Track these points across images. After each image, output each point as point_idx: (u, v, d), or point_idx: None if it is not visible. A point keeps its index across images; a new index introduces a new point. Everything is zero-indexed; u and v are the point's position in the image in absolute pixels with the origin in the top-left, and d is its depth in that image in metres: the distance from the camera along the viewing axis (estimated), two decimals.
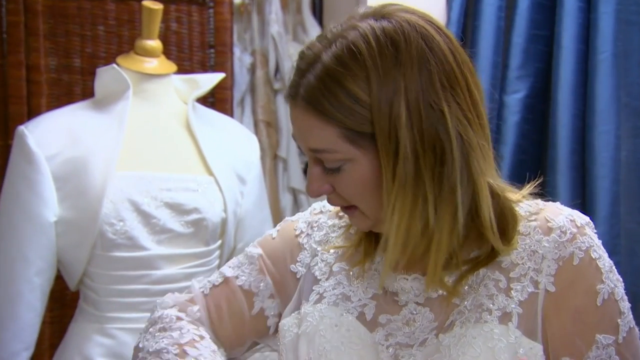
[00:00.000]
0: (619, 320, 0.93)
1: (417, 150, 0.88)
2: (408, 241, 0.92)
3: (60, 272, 1.65)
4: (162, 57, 1.73)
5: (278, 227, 1.15)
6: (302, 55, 0.93)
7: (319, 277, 1.06)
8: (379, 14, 0.92)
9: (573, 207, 1.60)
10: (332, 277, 1.05)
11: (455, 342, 0.91)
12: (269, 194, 2.25)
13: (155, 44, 1.71)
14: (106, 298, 1.60)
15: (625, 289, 0.94)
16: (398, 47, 0.88)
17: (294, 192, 2.39)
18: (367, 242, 1.04)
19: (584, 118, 1.72)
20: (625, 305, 0.95)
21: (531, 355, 0.91)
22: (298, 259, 1.10)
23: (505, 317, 0.92)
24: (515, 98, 1.75)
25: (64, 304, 1.94)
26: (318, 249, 1.09)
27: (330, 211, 1.12)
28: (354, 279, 1.03)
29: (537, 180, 1.00)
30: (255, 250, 1.13)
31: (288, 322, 1.05)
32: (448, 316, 0.95)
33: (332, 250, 1.08)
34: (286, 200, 2.38)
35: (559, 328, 0.93)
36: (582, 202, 1.73)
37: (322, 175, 0.95)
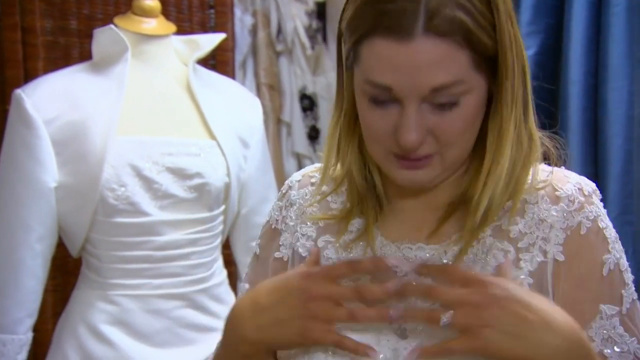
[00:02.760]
0: (623, 291, 0.93)
1: (522, 69, 0.90)
2: (508, 171, 0.91)
3: (62, 239, 1.64)
4: (161, 18, 1.70)
5: (259, 237, 1.09)
6: None
7: (303, 254, 1.01)
8: None
9: (585, 165, 1.56)
10: (319, 253, 0.99)
11: None
12: (273, 159, 2.22)
13: (153, 3, 1.68)
14: (109, 264, 1.59)
15: (637, 248, 0.91)
16: None
17: (299, 157, 2.37)
18: (366, 206, 0.98)
19: (597, 75, 1.70)
20: (629, 276, 0.94)
21: None
22: (280, 243, 1.04)
23: None
24: (527, 55, 1.72)
25: (66, 272, 1.93)
26: (296, 224, 1.04)
27: (298, 181, 1.07)
28: (341, 251, 0.98)
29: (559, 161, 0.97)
30: (244, 287, 1.09)
31: None
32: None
33: (310, 222, 1.02)
34: (290, 165, 2.35)
35: (563, 296, 0.92)
36: (594, 160, 1.71)
37: (425, 120, 0.86)
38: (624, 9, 1.65)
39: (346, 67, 0.92)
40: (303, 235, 1.02)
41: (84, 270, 1.65)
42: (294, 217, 1.04)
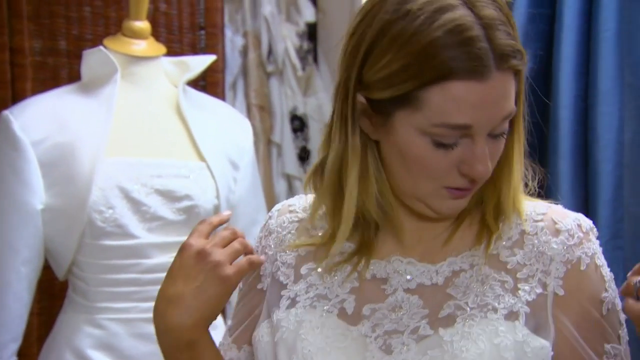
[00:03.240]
0: (620, 331, 0.94)
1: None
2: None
3: (48, 261, 1.62)
4: (151, 39, 1.69)
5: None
6: (462, 27, 0.84)
7: (284, 282, 1.01)
8: None
9: (576, 190, 1.55)
10: (302, 280, 0.99)
11: (458, 338, 0.89)
12: (263, 180, 2.21)
13: (143, 25, 1.67)
14: (96, 288, 1.57)
15: (627, 275, 0.92)
16: None
17: (289, 179, 2.36)
18: (363, 233, 0.98)
19: (586, 99, 1.70)
20: (623, 316, 0.95)
21: (541, 354, 0.90)
22: (261, 273, 1.05)
23: (511, 316, 0.90)
24: None
25: (52, 295, 1.91)
26: (275, 252, 1.04)
27: (278, 210, 1.07)
28: (326, 275, 0.98)
29: (541, 182, 1.00)
30: (228, 323, 1.10)
31: (259, 332, 1.00)
32: (442, 306, 0.92)
33: (288, 251, 1.02)
34: (280, 186, 2.34)
35: (566, 333, 0.92)
36: (585, 185, 1.71)
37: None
38: (613, 34, 1.65)
39: (375, 112, 0.91)
40: (283, 263, 1.02)
41: (70, 293, 1.63)
42: (272, 246, 1.04)
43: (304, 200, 1.06)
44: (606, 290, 0.94)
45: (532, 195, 0.99)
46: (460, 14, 0.85)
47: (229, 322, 1.08)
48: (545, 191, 1.02)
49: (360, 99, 0.91)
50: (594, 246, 0.95)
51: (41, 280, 1.61)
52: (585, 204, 1.69)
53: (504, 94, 0.87)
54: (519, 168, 0.95)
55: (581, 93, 1.70)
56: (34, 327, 1.90)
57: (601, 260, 0.95)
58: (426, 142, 0.88)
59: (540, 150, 1.73)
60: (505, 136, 0.91)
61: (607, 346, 0.93)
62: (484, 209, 0.97)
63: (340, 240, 0.96)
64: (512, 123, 0.93)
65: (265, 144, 2.32)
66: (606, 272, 0.95)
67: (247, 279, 1.07)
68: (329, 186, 0.96)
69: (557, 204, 0.99)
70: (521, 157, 0.96)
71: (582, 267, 0.93)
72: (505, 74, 0.86)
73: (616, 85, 1.66)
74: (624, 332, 0.95)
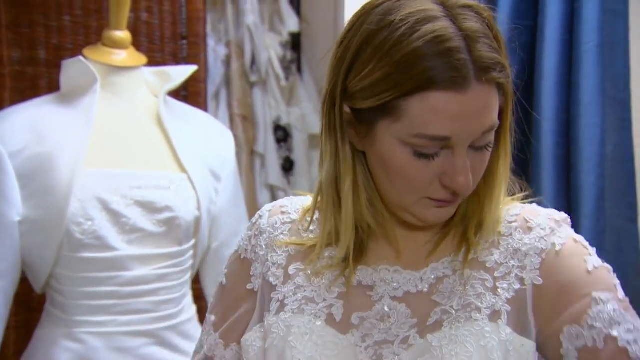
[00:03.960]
0: (615, 282, 0.93)
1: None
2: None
3: (26, 274, 1.60)
4: (132, 49, 1.68)
5: (225, 267, 1.09)
6: (441, 37, 0.84)
7: (274, 283, 1.01)
8: None
9: (558, 201, 1.56)
10: (290, 281, 1.00)
11: (446, 342, 0.90)
12: (246, 191, 2.19)
13: (123, 35, 1.65)
14: (74, 301, 1.55)
15: None
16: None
17: (272, 189, 2.34)
18: (355, 240, 0.98)
19: (569, 111, 1.71)
20: (617, 280, 0.94)
21: (523, 352, 0.91)
22: (251, 274, 1.04)
23: (494, 315, 0.92)
24: None
25: (29, 308, 1.88)
26: (266, 252, 1.03)
27: (269, 211, 1.07)
28: (313, 277, 0.99)
29: (525, 192, 1.01)
30: (209, 318, 1.08)
31: (251, 337, 1.00)
32: (429, 314, 0.93)
33: (279, 251, 1.02)
34: (264, 197, 2.32)
35: (547, 305, 0.92)
36: (567, 197, 1.71)
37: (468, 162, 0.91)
38: (595, 46, 1.66)
39: (359, 122, 0.91)
40: (274, 264, 1.02)
41: (47, 307, 1.60)
42: (264, 247, 1.04)
43: (295, 202, 1.07)
44: (590, 255, 0.93)
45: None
46: (442, 25, 0.85)
47: (211, 316, 1.07)
48: (528, 202, 1.02)
49: (346, 109, 0.92)
50: (568, 230, 0.96)
51: (18, 293, 1.59)
52: (568, 215, 1.69)
53: (485, 106, 0.86)
54: (503, 184, 0.96)
55: (563, 105, 1.71)
56: (10, 341, 1.87)
57: (580, 237, 0.96)
58: (407, 152, 0.89)
59: (523, 162, 1.74)
60: (489, 149, 0.91)
61: (595, 294, 0.90)
62: (467, 224, 0.97)
63: (343, 245, 0.97)
64: (498, 138, 0.93)
65: (248, 154, 2.31)
66: (587, 244, 0.95)
67: (230, 275, 1.06)
68: (329, 200, 0.97)
69: (538, 199, 1.01)
70: (507, 173, 0.96)
71: (557, 248, 0.93)
72: (485, 87, 0.86)
73: (598, 97, 1.67)
74: (619, 288, 0.93)
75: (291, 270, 1.00)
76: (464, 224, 0.98)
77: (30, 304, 1.87)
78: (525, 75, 1.72)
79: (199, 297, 1.80)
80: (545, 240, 0.94)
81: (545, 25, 1.69)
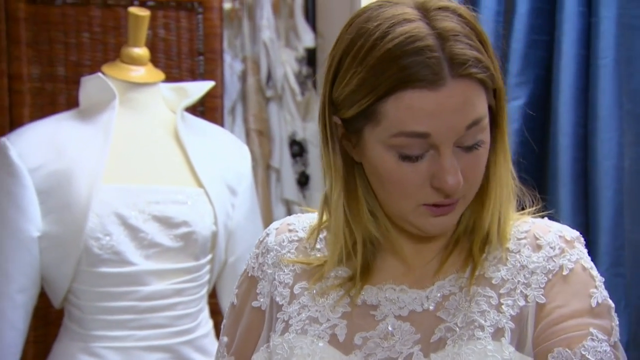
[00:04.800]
0: (613, 324, 0.92)
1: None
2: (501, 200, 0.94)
3: (44, 289, 1.60)
4: (150, 65, 1.69)
5: (236, 286, 1.08)
6: (413, 37, 0.85)
7: (280, 303, 1.00)
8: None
9: (576, 217, 1.55)
10: (295, 300, 0.99)
11: None
12: (262, 205, 2.20)
13: (142, 51, 1.67)
14: (92, 316, 1.56)
15: (629, 301, 0.90)
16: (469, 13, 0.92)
17: (288, 204, 2.35)
18: (363, 258, 0.97)
19: (586, 125, 1.70)
20: (616, 320, 0.93)
21: None
22: (258, 291, 1.03)
23: (498, 333, 0.90)
24: (515, 105, 1.73)
25: (48, 322, 1.89)
26: (273, 271, 1.02)
27: (277, 229, 1.06)
28: (318, 297, 0.98)
29: (538, 206, 0.99)
30: (222, 339, 1.07)
31: (258, 357, 0.99)
32: (433, 331, 0.92)
33: (286, 270, 1.01)
34: (279, 211, 2.33)
35: (551, 327, 0.91)
36: (585, 212, 1.70)
37: (456, 160, 0.89)
38: (612, 61, 1.65)
39: (349, 132, 0.92)
40: (280, 282, 1.01)
41: (65, 321, 1.61)
42: (271, 265, 1.03)
43: (303, 219, 1.05)
44: (596, 288, 0.92)
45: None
46: (415, 26, 0.86)
47: (224, 338, 1.06)
48: (540, 216, 1.01)
49: (336, 120, 0.92)
50: (579, 252, 0.94)
51: (37, 308, 1.60)
52: (585, 232, 1.67)
53: (463, 101, 0.86)
54: (505, 190, 0.94)
55: (581, 120, 1.70)
56: (29, 356, 1.88)
57: (589, 264, 0.94)
58: (392, 155, 0.88)
59: (540, 178, 1.73)
60: (481, 148, 0.89)
61: (593, 330, 0.89)
62: (472, 239, 0.96)
63: (331, 261, 0.97)
64: (495, 140, 0.92)
65: (264, 169, 2.32)
66: (595, 273, 0.94)
67: (241, 294, 1.05)
68: (336, 217, 0.97)
69: (549, 213, 0.99)
70: (508, 177, 0.94)
71: (565, 272, 0.92)
72: (462, 82, 0.85)
73: (615, 112, 1.66)
74: (615, 330, 0.92)
75: (296, 289, 0.99)
76: (469, 238, 0.96)
77: (49, 318, 1.88)
78: (542, 89, 1.72)
79: (215, 312, 1.80)
80: (554, 261, 0.93)
81: (562, 40, 1.68)
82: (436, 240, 0.97)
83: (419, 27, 0.86)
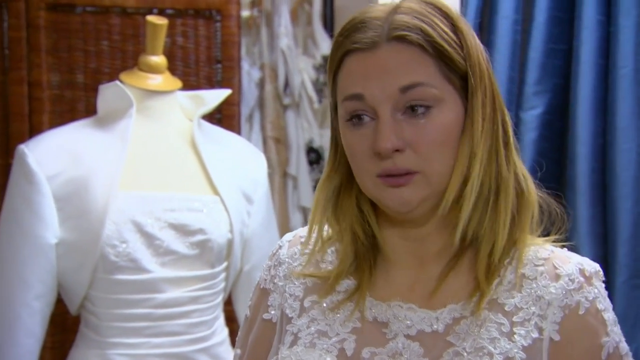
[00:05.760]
0: None
1: (494, 101, 0.92)
2: (479, 199, 0.91)
3: (61, 295, 1.61)
4: (167, 74, 1.70)
5: (250, 298, 1.08)
6: (368, 15, 0.90)
7: (290, 315, 1.00)
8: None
9: (594, 227, 1.53)
10: (305, 313, 0.99)
11: None
12: (279, 212, 2.20)
13: (159, 59, 1.68)
14: (108, 322, 1.56)
15: None
16: (454, 11, 0.93)
17: (304, 211, 2.35)
18: (362, 266, 0.98)
19: (605, 135, 1.68)
20: None
21: None
22: (269, 304, 1.03)
23: None
24: (532, 114, 1.71)
25: (65, 329, 1.90)
26: (284, 284, 1.02)
27: (289, 241, 1.06)
28: (328, 311, 0.97)
29: (561, 229, 0.97)
30: (236, 352, 1.08)
31: None
32: (441, 354, 0.91)
33: (297, 282, 1.01)
34: (296, 219, 2.33)
35: None
36: (603, 223, 1.68)
37: (400, 128, 0.89)
38: (631, 70, 1.64)
39: (335, 113, 0.95)
40: (291, 295, 1.01)
41: (82, 328, 1.62)
42: (282, 277, 1.02)
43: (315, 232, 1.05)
44: (607, 335, 0.92)
45: (548, 232, 0.97)
46: (379, 7, 0.91)
47: (237, 350, 1.07)
48: (563, 229, 0.99)
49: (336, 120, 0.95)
50: (596, 290, 0.93)
51: (54, 314, 1.61)
52: (604, 242, 1.66)
53: (396, 64, 0.88)
54: (476, 173, 0.91)
55: (599, 130, 1.68)
56: None
57: (603, 305, 0.93)
58: (345, 126, 0.91)
59: (558, 188, 1.72)
60: (425, 115, 0.88)
61: None
62: (477, 266, 0.94)
63: (339, 269, 0.97)
64: (465, 125, 0.91)
65: (281, 176, 2.32)
66: (609, 316, 0.93)
67: (253, 306, 1.06)
68: (317, 208, 0.99)
69: (571, 244, 0.97)
70: (490, 169, 0.91)
71: (581, 312, 0.91)
72: (398, 45, 0.88)
73: (634, 122, 1.65)
74: None
75: (306, 302, 0.99)
76: (474, 256, 0.94)
77: (66, 324, 1.89)
78: (560, 99, 1.71)
79: (231, 319, 1.80)
80: (572, 296, 0.91)
81: (581, 49, 1.67)
82: (434, 248, 0.95)
83: (380, 7, 0.91)
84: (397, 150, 0.88)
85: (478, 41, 0.93)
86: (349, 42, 0.90)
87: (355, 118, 0.90)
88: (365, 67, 0.89)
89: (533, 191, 0.94)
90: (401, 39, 0.88)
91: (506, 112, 0.95)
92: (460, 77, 0.90)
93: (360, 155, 0.91)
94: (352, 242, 0.97)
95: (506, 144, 0.93)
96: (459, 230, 0.91)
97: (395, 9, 0.90)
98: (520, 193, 0.93)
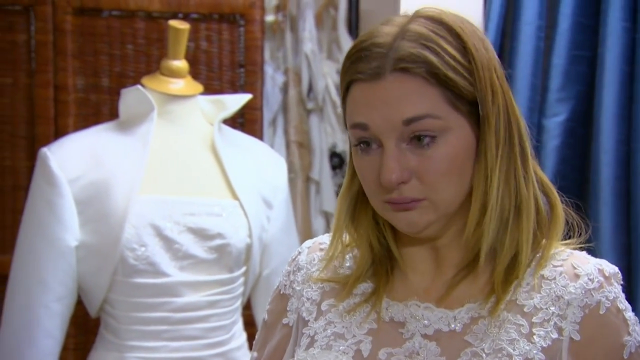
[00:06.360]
0: None
1: (509, 119, 0.90)
2: (501, 218, 0.90)
3: (81, 297, 1.63)
4: (189, 78, 1.71)
5: (268, 303, 1.09)
6: (373, 43, 0.89)
7: (306, 318, 1.00)
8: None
9: (617, 236, 1.51)
10: (322, 317, 0.99)
11: None
12: (301, 217, 2.20)
13: (181, 64, 1.68)
14: (126, 326, 1.57)
15: None
16: (466, 26, 0.91)
17: (327, 216, 2.34)
18: (379, 271, 0.98)
19: (629, 143, 1.66)
20: None
21: None
22: (288, 309, 1.04)
23: None
24: (556, 122, 1.70)
25: (87, 330, 1.92)
26: (302, 288, 1.03)
27: (309, 247, 1.06)
28: (345, 314, 0.98)
29: (583, 237, 0.96)
30: (252, 355, 1.09)
31: None
32: (459, 354, 0.91)
33: (315, 287, 1.02)
34: (318, 224, 2.32)
35: None
36: (627, 232, 1.66)
37: (405, 159, 0.88)
38: None
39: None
40: (308, 299, 1.01)
41: (101, 330, 1.63)
42: (300, 282, 1.03)
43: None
44: (629, 334, 0.91)
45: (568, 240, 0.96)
46: (385, 28, 0.90)
47: (254, 353, 1.07)
48: (586, 238, 0.98)
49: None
50: (616, 290, 0.92)
51: (77, 315, 1.62)
52: (627, 252, 1.64)
53: (399, 96, 0.87)
54: (499, 198, 0.90)
55: (623, 137, 1.67)
56: None
57: (624, 304, 0.92)
58: (355, 150, 0.92)
59: (581, 196, 1.69)
60: (431, 146, 0.88)
61: None
62: (495, 275, 0.93)
63: (357, 273, 0.98)
64: (479, 151, 0.90)
65: (303, 180, 2.31)
66: (630, 315, 0.92)
67: (273, 311, 1.06)
68: (339, 215, 0.99)
69: (590, 246, 0.96)
70: (508, 191, 0.90)
71: (602, 311, 0.91)
72: (402, 77, 0.87)
73: None
74: None
75: (324, 306, 1.00)
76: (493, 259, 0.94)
77: (89, 326, 1.91)
78: (584, 106, 1.68)
79: (249, 324, 1.81)
80: (592, 295, 0.91)
81: (605, 56, 1.65)
82: (451, 255, 0.95)
83: (387, 29, 0.90)
84: (402, 182, 0.89)
85: (492, 55, 0.91)
86: (354, 70, 0.90)
87: (363, 144, 0.90)
88: (369, 97, 0.88)
89: (558, 203, 0.94)
90: (405, 70, 0.87)
91: (523, 125, 0.93)
92: (469, 102, 0.89)
93: (368, 181, 0.91)
94: (369, 249, 0.98)
95: (524, 161, 0.92)
96: (482, 255, 0.92)
97: (402, 34, 0.88)
98: (539, 211, 0.93)
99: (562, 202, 0.95)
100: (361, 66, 0.89)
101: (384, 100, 0.88)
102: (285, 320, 1.03)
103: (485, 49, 0.91)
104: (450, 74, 0.87)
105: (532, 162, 0.93)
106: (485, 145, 0.89)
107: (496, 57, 0.93)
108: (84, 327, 1.93)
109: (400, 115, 0.87)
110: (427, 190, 0.89)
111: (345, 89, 0.91)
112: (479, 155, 0.90)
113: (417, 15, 0.91)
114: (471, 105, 0.89)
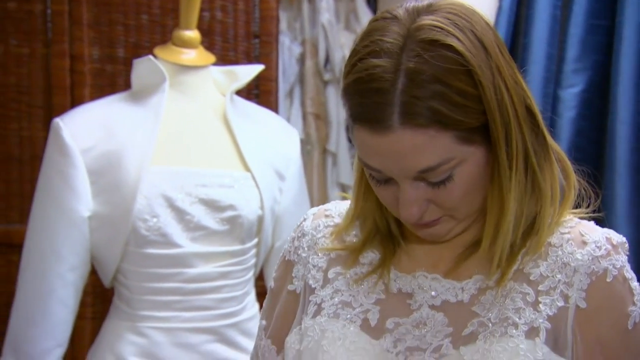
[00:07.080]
0: None
1: (521, 125, 0.89)
2: (518, 222, 0.91)
3: (95, 267, 1.64)
4: (201, 48, 1.70)
5: (274, 271, 1.10)
6: (372, 76, 0.83)
7: (313, 286, 1.01)
8: (428, 9, 0.88)
9: (633, 208, 1.49)
10: (329, 284, 1.00)
11: (478, 357, 0.88)
12: (318, 189, 2.20)
13: (193, 34, 1.67)
14: (139, 296, 1.58)
15: None
16: (475, 30, 0.86)
17: (343, 188, 2.34)
18: (384, 242, 0.99)
19: None
20: None
21: None
22: (293, 275, 1.05)
23: (532, 332, 0.89)
24: (572, 92, 1.67)
25: (105, 299, 1.94)
26: (308, 255, 1.03)
27: (314, 214, 1.07)
28: (352, 283, 0.98)
29: (592, 207, 0.96)
30: (261, 323, 1.11)
31: (290, 339, 1.01)
32: (466, 324, 0.91)
33: (321, 254, 1.02)
34: (335, 196, 2.32)
35: (585, 346, 0.90)
36: None
37: (422, 193, 0.88)
38: None
39: None
40: (314, 266, 1.02)
41: (115, 300, 1.65)
42: (305, 248, 1.04)
43: (340, 206, 1.07)
44: (634, 304, 0.91)
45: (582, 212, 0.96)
46: (381, 63, 0.84)
47: (262, 321, 1.09)
48: (600, 209, 0.99)
49: None
50: (623, 259, 0.92)
51: (95, 285, 1.64)
52: None
53: (411, 150, 0.84)
54: (510, 213, 0.90)
55: None
56: (87, 331, 1.94)
57: (630, 274, 0.92)
58: (366, 172, 0.91)
59: (596, 168, 1.66)
60: (447, 184, 0.87)
61: (625, 354, 0.89)
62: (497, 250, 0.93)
63: (362, 241, 0.98)
64: (493, 161, 0.89)
65: (320, 152, 2.31)
66: (635, 285, 0.92)
67: (277, 278, 1.07)
68: (356, 190, 1.00)
69: (599, 215, 0.96)
70: (519, 191, 0.90)
71: (609, 279, 0.90)
72: (412, 131, 0.83)
73: None
74: None
75: (331, 274, 1.00)
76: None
77: (106, 295, 1.93)
78: (601, 76, 1.65)
79: (262, 295, 1.80)
80: (600, 262, 0.90)
81: (624, 25, 1.61)
82: (462, 237, 0.96)
83: (384, 65, 0.83)
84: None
85: (501, 62, 0.87)
86: (357, 107, 0.85)
87: (378, 177, 0.90)
88: (380, 147, 0.85)
89: (572, 173, 0.94)
90: (414, 124, 0.83)
91: (535, 110, 0.91)
92: (479, 126, 0.86)
93: (387, 203, 0.93)
94: (374, 223, 0.99)
95: (542, 149, 0.91)
96: (494, 265, 0.92)
97: (405, 73, 0.83)
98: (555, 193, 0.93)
99: (575, 172, 0.95)
100: (363, 112, 0.85)
101: (396, 153, 0.85)
102: (290, 287, 1.04)
103: (486, 48, 0.87)
104: (460, 116, 0.84)
105: (549, 143, 0.92)
106: (500, 169, 0.89)
107: (500, 42, 0.90)
108: (101, 297, 1.95)
109: (414, 167, 0.86)
110: (447, 211, 0.91)
111: (350, 118, 0.88)
112: (493, 173, 0.90)
113: (414, 40, 0.85)
114: (484, 128, 0.87)
